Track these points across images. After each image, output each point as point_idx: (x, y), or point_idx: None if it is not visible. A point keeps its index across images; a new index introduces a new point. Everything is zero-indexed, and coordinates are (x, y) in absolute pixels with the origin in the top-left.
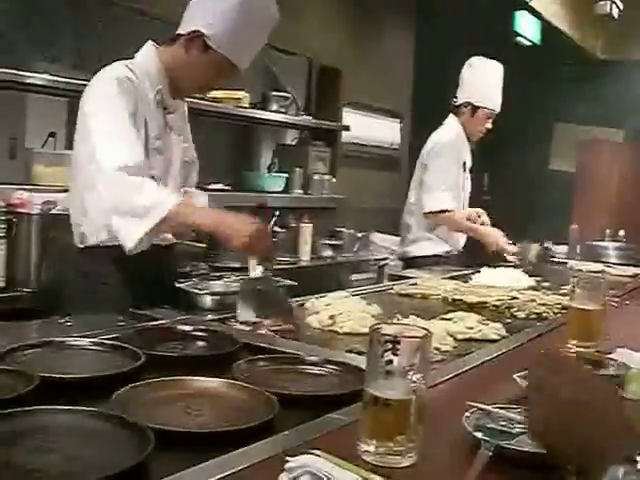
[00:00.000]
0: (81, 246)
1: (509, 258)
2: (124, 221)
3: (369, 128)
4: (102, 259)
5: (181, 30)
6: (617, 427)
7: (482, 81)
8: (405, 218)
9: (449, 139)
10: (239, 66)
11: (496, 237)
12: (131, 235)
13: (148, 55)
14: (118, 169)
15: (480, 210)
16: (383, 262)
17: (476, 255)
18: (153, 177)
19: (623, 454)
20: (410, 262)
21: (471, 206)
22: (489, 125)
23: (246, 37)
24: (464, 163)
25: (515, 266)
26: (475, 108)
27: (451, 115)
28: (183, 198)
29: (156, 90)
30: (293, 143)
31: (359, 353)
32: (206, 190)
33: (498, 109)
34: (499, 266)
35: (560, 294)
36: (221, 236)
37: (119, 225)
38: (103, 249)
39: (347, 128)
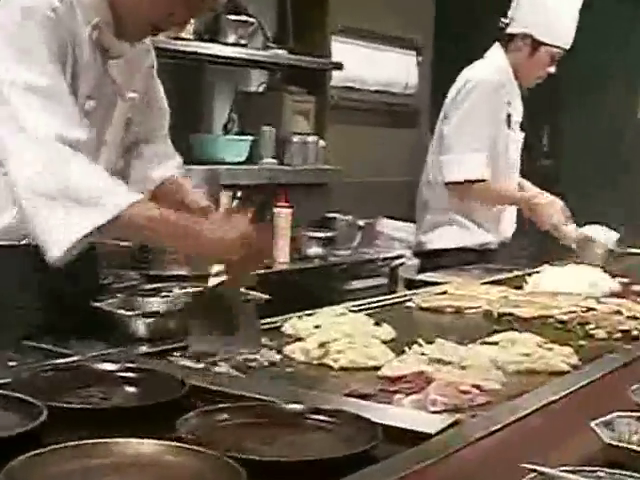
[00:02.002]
0: None
1: (565, 243)
2: (55, 210)
3: (371, 65)
4: None
5: None
6: None
7: (551, 5)
8: (422, 194)
9: (488, 77)
10: None
11: (553, 210)
12: (65, 233)
13: None
14: (55, 139)
15: (529, 185)
16: (397, 262)
17: (533, 248)
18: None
19: None
20: (428, 258)
21: (523, 176)
22: (552, 69)
23: None
24: (509, 116)
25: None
26: (537, 44)
27: (497, 45)
28: (144, 198)
29: (92, 25)
30: (260, 90)
31: (364, 397)
32: None
33: (569, 46)
34: (567, 264)
35: None
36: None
37: (47, 216)
38: None
39: (339, 66)
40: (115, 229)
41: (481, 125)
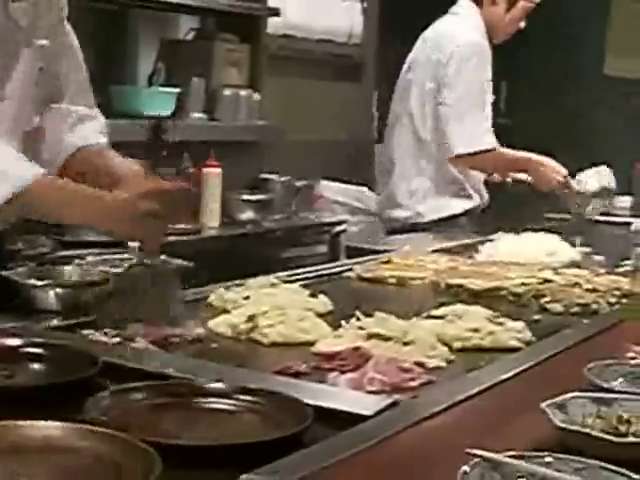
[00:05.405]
0: None
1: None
2: None
3: (312, 12)
4: None
5: None
6: None
7: None
8: (401, 160)
9: (479, 40)
10: None
11: (554, 169)
12: None
13: None
14: None
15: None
16: (338, 228)
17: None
18: None
19: None
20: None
21: None
22: (523, 24)
23: None
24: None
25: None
26: None
27: (467, 2)
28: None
29: None
30: (189, 37)
31: (295, 375)
32: None
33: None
34: (523, 231)
35: (619, 274)
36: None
37: None
38: None
39: (276, 12)
40: (19, 205)
41: (484, 91)
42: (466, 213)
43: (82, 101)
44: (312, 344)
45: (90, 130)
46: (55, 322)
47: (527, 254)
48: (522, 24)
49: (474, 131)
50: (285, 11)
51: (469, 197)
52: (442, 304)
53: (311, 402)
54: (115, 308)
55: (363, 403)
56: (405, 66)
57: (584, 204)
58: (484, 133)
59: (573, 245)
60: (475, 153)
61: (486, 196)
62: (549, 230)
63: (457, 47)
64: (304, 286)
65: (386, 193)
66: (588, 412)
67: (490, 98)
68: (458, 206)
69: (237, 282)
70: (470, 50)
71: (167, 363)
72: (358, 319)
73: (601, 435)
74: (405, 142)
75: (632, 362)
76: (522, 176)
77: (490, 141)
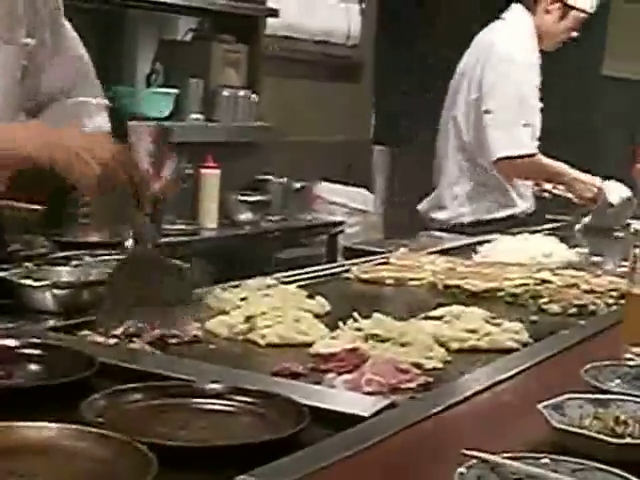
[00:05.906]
0: None
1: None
2: None
3: (310, 13)
4: None
5: None
6: None
7: None
8: (447, 165)
9: (522, 46)
10: None
11: (588, 183)
12: None
13: None
14: None
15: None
16: (336, 229)
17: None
18: None
19: None
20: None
21: None
22: (575, 33)
23: None
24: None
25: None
26: (568, 8)
27: (520, 8)
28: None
29: None
30: (187, 38)
31: (293, 376)
32: None
33: (593, 10)
34: (520, 232)
35: (617, 275)
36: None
37: None
38: None
39: (274, 13)
40: None
41: (527, 98)
42: (508, 218)
43: (91, 93)
44: (309, 345)
45: (104, 120)
46: (52, 323)
47: (524, 255)
48: (574, 33)
49: (514, 136)
50: (283, 12)
51: (513, 203)
52: (440, 305)
53: (308, 403)
54: (115, 302)
55: (360, 404)
56: (457, 72)
57: (614, 216)
58: (524, 138)
59: (571, 247)
60: (514, 157)
61: (532, 202)
62: (546, 231)
63: (497, 56)
64: (301, 287)
65: (433, 195)
66: (585, 413)
67: (537, 104)
68: (500, 211)
69: (234, 283)
70: (511, 58)
71: (164, 364)
72: (355, 320)
73: (598, 436)
74: (450, 147)
75: (629, 363)
76: (560, 192)
77: (529, 146)
